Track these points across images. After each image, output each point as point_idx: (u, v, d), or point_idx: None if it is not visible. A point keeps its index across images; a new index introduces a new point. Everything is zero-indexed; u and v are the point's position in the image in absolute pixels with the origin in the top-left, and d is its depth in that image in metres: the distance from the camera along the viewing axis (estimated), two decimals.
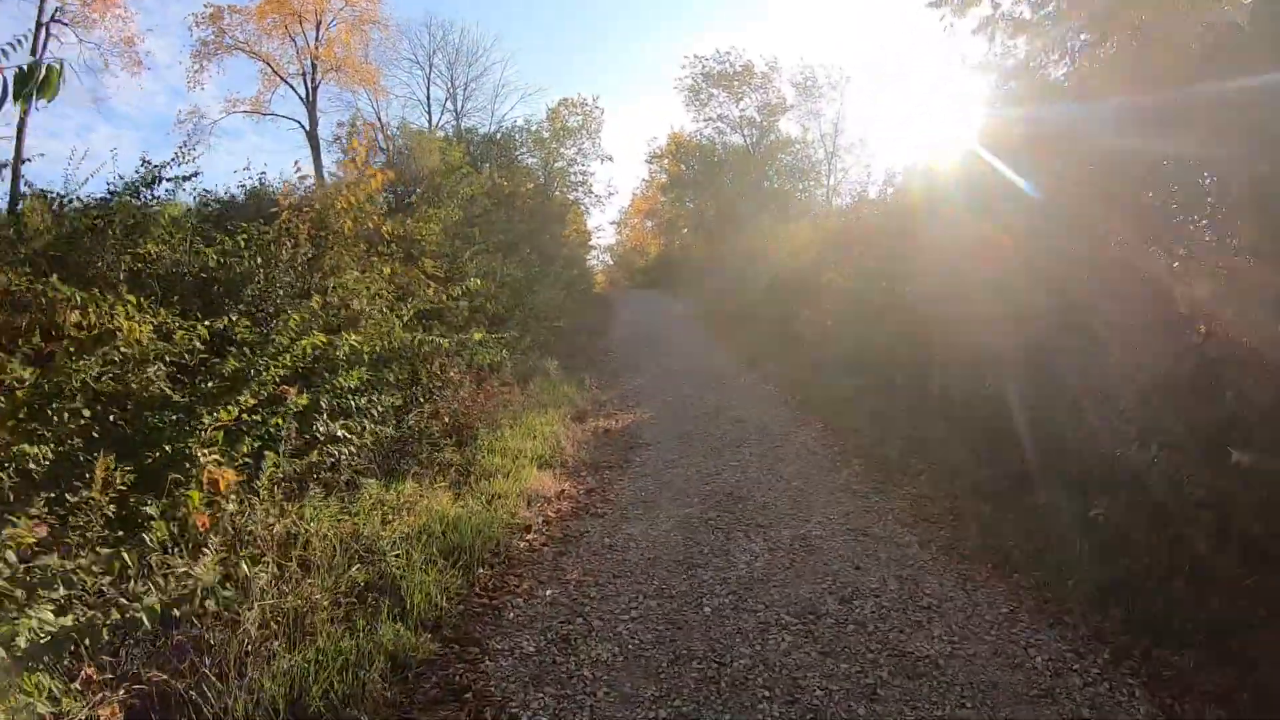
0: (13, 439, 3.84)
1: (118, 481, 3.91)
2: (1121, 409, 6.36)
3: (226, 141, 37.50)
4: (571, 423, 8.99)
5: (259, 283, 6.25)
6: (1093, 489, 5.76)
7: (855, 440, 8.38)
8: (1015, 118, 9.52)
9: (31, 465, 3.81)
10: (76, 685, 3.17)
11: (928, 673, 3.80)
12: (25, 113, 20.62)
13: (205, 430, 4.47)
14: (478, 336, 7.05)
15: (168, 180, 7.00)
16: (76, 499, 3.78)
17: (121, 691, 3.28)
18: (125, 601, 3.48)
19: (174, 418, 4.45)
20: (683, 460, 7.72)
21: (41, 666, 3.08)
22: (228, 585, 4.13)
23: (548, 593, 4.75)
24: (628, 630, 4.27)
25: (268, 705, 3.41)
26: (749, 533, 5.69)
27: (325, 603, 4.25)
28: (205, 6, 27.63)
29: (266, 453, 4.70)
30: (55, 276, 4.76)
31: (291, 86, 28.83)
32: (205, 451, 4.30)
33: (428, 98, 34.71)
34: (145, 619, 3.42)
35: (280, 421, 4.80)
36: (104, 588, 3.54)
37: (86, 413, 4.19)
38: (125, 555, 3.69)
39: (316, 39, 28.17)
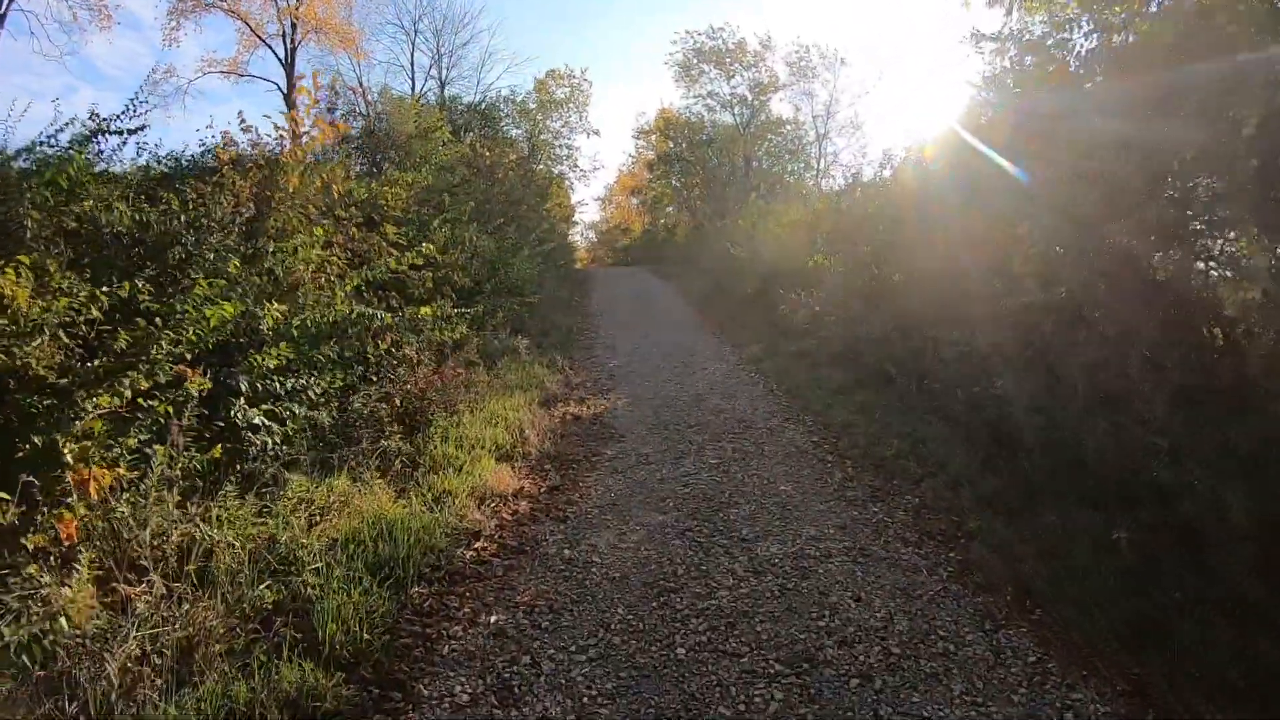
0: None
1: None
2: (1146, 419, 5.79)
3: (205, 105, 36.07)
4: (539, 408, 8.23)
5: (186, 245, 5.44)
6: (1111, 505, 5.19)
7: (848, 438, 7.70)
8: (1017, 106, 8.89)
9: None
10: None
11: None
12: None
13: (85, 419, 3.70)
14: (425, 311, 6.25)
15: (113, 134, 6.25)
16: None
17: None
18: None
19: (45, 404, 3.67)
20: (658, 456, 7.00)
21: None
22: (101, 611, 3.40)
23: (493, 619, 4.02)
24: (584, 676, 3.54)
25: None
26: (731, 549, 4.97)
27: (221, 630, 3.52)
28: None
29: (155, 446, 3.93)
30: None
31: (270, 48, 27.65)
32: (74, 446, 3.52)
33: (411, 64, 33.54)
34: None
35: (169, 409, 4.01)
36: None
37: None
38: None
39: None
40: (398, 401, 6.62)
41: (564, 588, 4.38)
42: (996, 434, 6.62)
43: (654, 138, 40.93)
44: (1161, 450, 5.46)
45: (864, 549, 5.05)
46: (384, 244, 8.58)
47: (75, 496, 3.51)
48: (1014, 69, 9.07)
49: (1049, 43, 8.39)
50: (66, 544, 3.42)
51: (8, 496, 3.29)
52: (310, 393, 5.32)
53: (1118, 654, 3.78)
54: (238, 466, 4.79)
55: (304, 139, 6.37)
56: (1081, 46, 8.05)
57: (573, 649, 3.77)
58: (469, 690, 3.41)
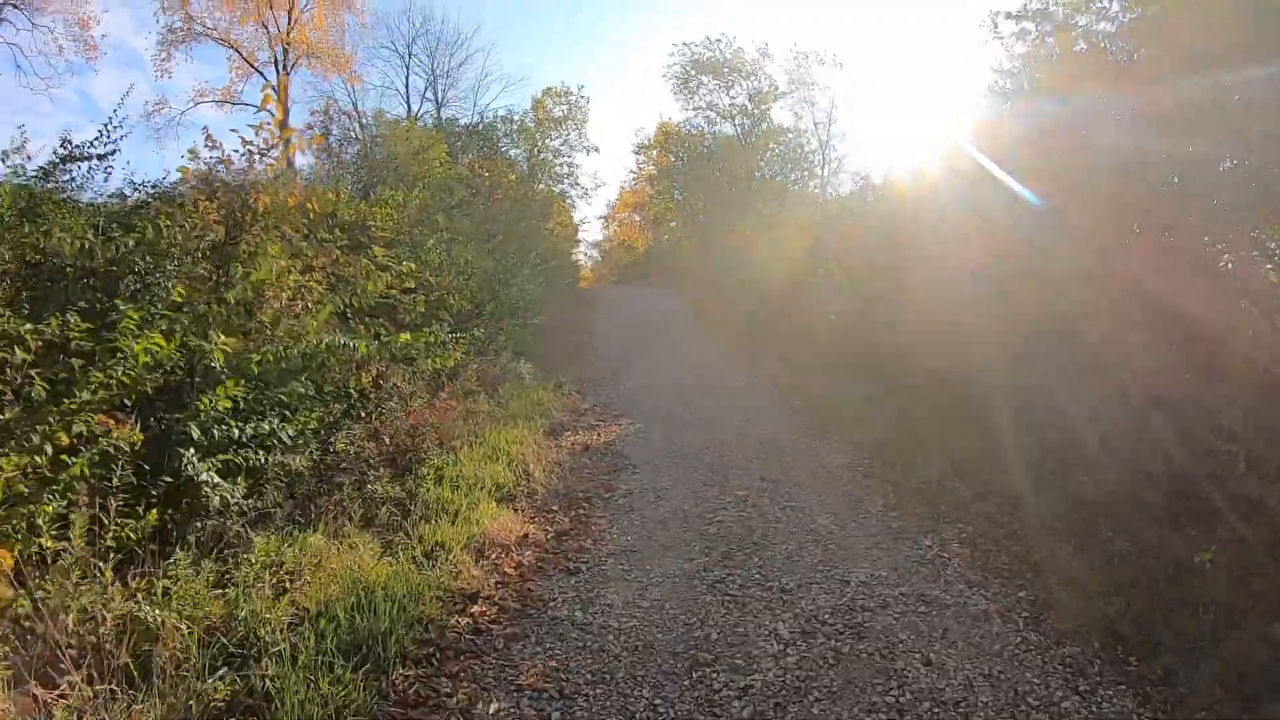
0: None
1: None
2: (1220, 425, 5.15)
3: (199, 135, 35.57)
4: (545, 439, 7.54)
5: (139, 274, 4.80)
6: (1185, 523, 4.64)
7: (882, 458, 7.02)
8: (1025, 111, 8.32)
9: None
10: None
11: None
12: None
13: None
14: (404, 337, 5.60)
15: (81, 160, 5.91)
16: None
17: None
18: None
19: None
20: (677, 488, 6.30)
21: None
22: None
23: (492, 709, 3.30)
24: None
25: None
26: (772, 603, 4.24)
27: None
28: None
29: (71, 516, 3.25)
30: None
31: (263, 75, 27.00)
32: None
33: (406, 87, 32.99)
34: None
35: (84, 468, 3.34)
36: None
37: None
38: None
39: (289, 24, 26.50)
40: (387, 439, 5.94)
41: (577, 663, 3.66)
42: (1047, 446, 6.02)
43: (654, 152, 40.38)
44: (1237, 458, 4.82)
45: (923, 595, 4.33)
46: (371, 267, 7.95)
47: None
48: (1035, 55, 8.48)
49: (1079, 20, 7.80)
50: None
51: None
52: (281, 436, 4.64)
53: (1238, 716, 3.14)
54: (198, 524, 4.13)
55: (274, 153, 5.77)
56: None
57: None
58: None
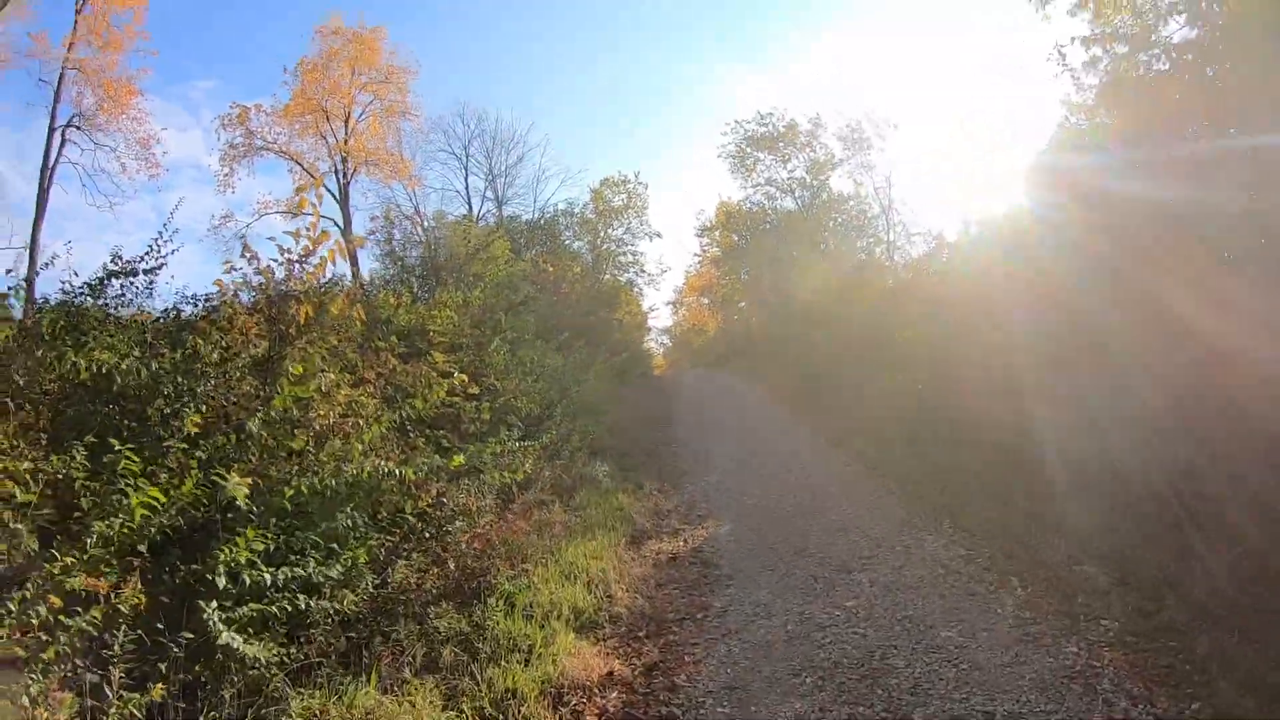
0: None
1: None
2: None
3: (268, 247, 36.87)
4: (626, 549, 6.82)
5: (168, 398, 4.41)
6: None
7: (998, 546, 6.19)
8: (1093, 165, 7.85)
9: None
10: None
11: None
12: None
13: None
14: (457, 461, 5.09)
15: (126, 276, 5.91)
16: None
17: None
18: None
19: None
20: (777, 603, 5.51)
21: None
22: None
23: None
24: None
25: None
26: None
27: None
28: (232, 108, 26.84)
29: (60, 695, 2.72)
30: None
31: (325, 186, 27.77)
32: None
33: (466, 188, 33.70)
34: None
35: (71, 642, 2.81)
36: None
37: None
38: None
39: (346, 134, 27.33)
40: (451, 565, 5.35)
41: None
42: (1196, 518, 5.29)
43: (717, 233, 40.42)
44: None
45: None
46: (433, 374, 7.53)
47: None
48: (1107, 86, 8.06)
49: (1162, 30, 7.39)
50: None
51: None
52: (324, 574, 4.08)
53: None
54: (233, 679, 3.58)
55: (314, 260, 5.43)
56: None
57: None
58: None
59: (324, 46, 27.22)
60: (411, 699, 3.89)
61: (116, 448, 3.36)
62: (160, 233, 5.92)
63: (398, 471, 4.43)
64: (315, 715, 3.61)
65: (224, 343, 4.99)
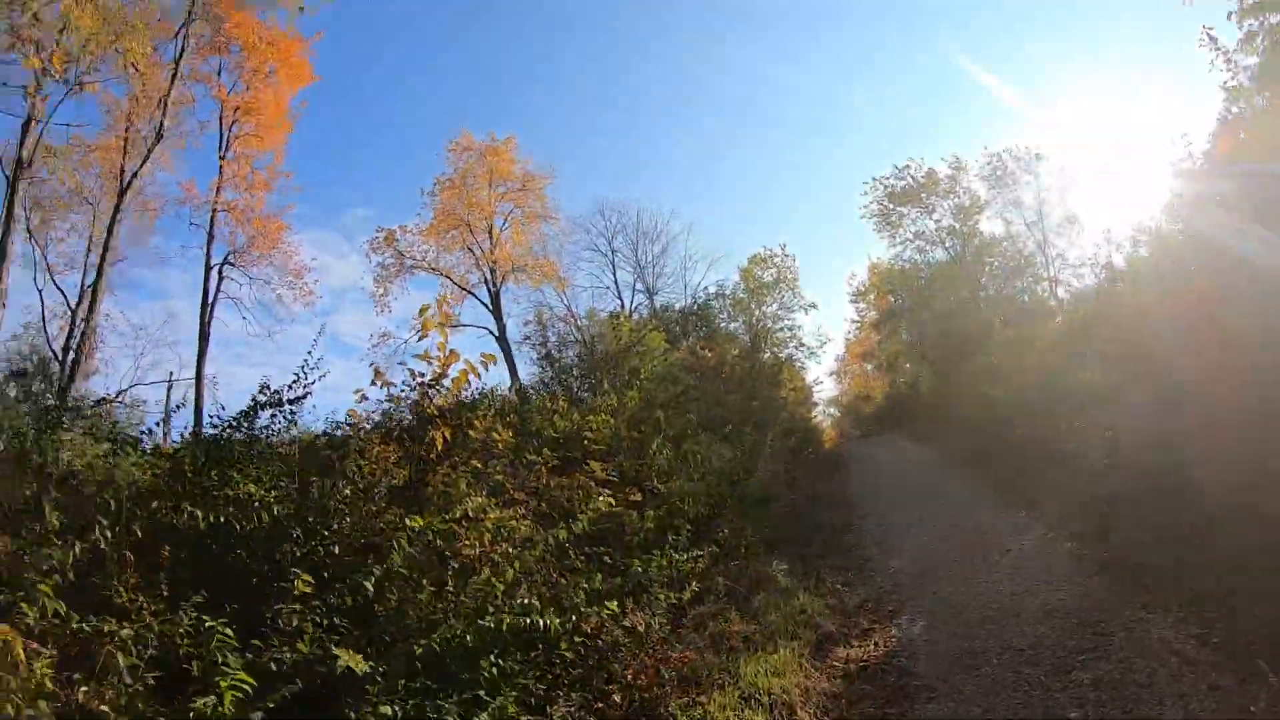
0: None
1: None
2: None
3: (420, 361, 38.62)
4: (811, 661, 6.23)
5: (295, 542, 4.34)
6: None
7: (1246, 624, 5.20)
8: None
9: None
10: None
11: None
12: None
13: None
14: (611, 608, 4.74)
15: (272, 407, 5.95)
16: None
17: None
18: None
19: None
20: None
21: None
22: None
23: None
24: None
25: None
26: None
27: None
28: (377, 232, 28.54)
29: None
30: None
31: (475, 296, 28.97)
32: None
33: (615, 283, 34.49)
34: None
35: None
36: None
37: None
38: None
39: (491, 245, 28.47)
40: (617, 698, 4.95)
41: None
42: None
43: (871, 296, 39.28)
44: None
45: None
46: (591, 485, 7.30)
47: None
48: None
49: None
50: None
51: None
52: None
53: None
54: None
55: (447, 381, 5.37)
56: None
57: None
58: None
59: (458, 162, 28.82)
60: None
61: (212, 620, 3.24)
62: (304, 362, 6.00)
63: (543, 623, 4.10)
64: None
65: (359, 475, 4.94)
